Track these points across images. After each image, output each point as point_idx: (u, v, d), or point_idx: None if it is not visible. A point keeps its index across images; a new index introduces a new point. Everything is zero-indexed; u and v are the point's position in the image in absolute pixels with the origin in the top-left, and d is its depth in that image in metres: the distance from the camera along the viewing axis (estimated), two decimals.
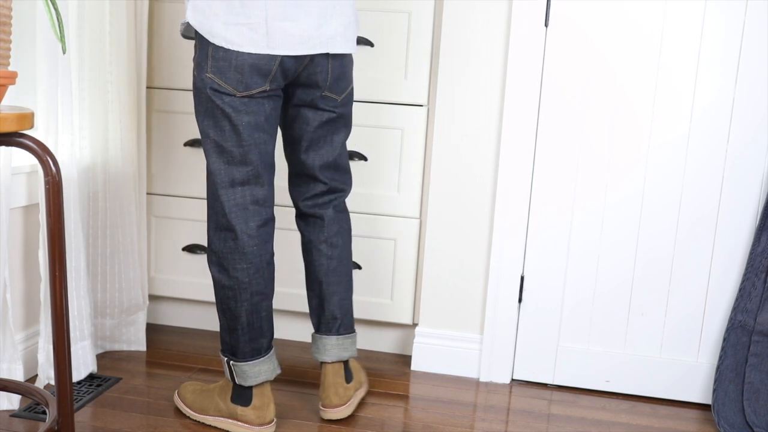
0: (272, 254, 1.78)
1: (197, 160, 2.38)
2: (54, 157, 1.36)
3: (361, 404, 2.02)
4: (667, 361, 2.15)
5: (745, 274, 2.04)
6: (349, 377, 1.93)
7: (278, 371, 1.82)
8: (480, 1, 2.14)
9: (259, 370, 1.77)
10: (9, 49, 1.35)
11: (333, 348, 1.88)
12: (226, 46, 1.62)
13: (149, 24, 2.35)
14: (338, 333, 1.89)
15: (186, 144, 2.37)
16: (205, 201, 2.39)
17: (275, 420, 1.86)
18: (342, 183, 1.90)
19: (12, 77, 1.33)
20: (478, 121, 2.18)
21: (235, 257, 1.72)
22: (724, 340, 2.05)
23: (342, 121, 1.85)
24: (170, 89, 2.37)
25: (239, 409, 1.79)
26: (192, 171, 2.39)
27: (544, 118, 2.13)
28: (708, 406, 2.15)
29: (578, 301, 2.18)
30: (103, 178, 2.13)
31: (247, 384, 1.77)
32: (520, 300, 2.21)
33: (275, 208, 2.34)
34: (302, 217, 1.92)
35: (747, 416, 1.98)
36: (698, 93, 2.06)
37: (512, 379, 2.26)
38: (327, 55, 1.73)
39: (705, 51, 2.04)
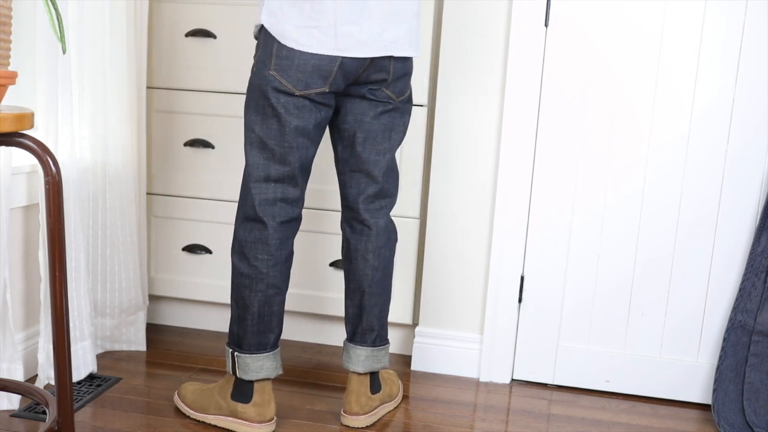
0: (292, 252, 1.81)
1: (197, 160, 2.38)
2: (54, 157, 1.36)
3: None
4: (667, 361, 2.15)
5: (745, 274, 2.04)
6: (376, 388, 1.91)
7: (280, 371, 1.82)
8: (480, 1, 2.14)
9: (261, 365, 1.78)
10: (9, 49, 1.35)
11: (366, 359, 1.87)
12: (295, 47, 1.68)
13: (149, 24, 2.36)
14: (373, 345, 1.88)
15: (186, 144, 2.37)
16: (205, 201, 2.39)
17: (275, 419, 1.86)
18: (393, 187, 1.88)
19: (12, 77, 1.33)
20: (478, 121, 2.18)
21: (257, 247, 1.76)
22: (724, 340, 2.06)
23: (399, 120, 1.84)
24: (170, 89, 2.37)
25: (240, 406, 1.80)
26: (192, 171, 2.39)
27: (544, 118, 2.13)
28: (708, 406, 2.15)
29: (578, 301, 2.18)
30: (103, 178, 2.13)
31: (247, 377, 1.78)
32: (520, 300, 2.21)
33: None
34: (350, 224, 1.87)
35: (747, 416, 1.98)
36: (698, 93, 2.06)
37: (512, 379, 2.26)
38: (390, 57, 1.75)
39: (705, 51, 2.04)
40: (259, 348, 1.79)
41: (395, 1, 1.72)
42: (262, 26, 1.74)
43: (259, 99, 1.73)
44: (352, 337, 1.89)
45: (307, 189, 2.33)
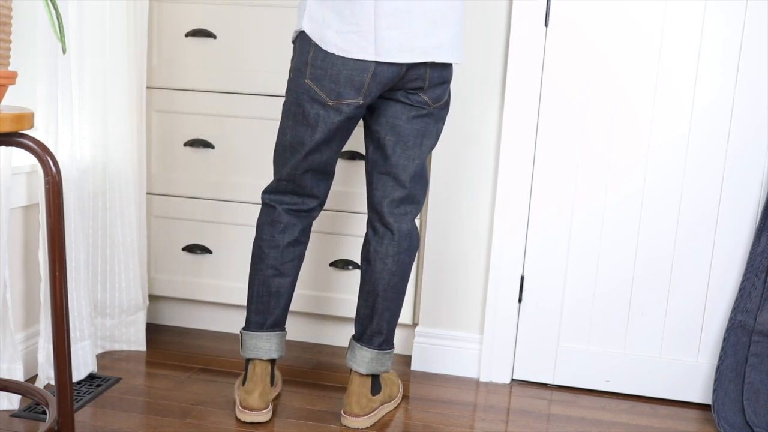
0: (299, 241, 1.88)
1: (197, 160, 2.38)
2: (54, 157, 1.36)
3: None
4: (667, 361, 2.15)
5: (745, 274, 2.04)
6: (376, 389, 1.92)
7: (273, 355, 1.87)
8: (480, 1, 2.14)
9: (255, 344, 1.87)
10: (9, 49, 1.35)
11: (370, 362, 1.87)
12: (336, 53, 1.69)
13: (149, 24, 2.35)
14: (379, 348, 1.88)
15: (186, 144, 2.37)
16: (205, 201, 2.40)
17: (265, 410, 1.86)
18: (421, 193, 1.86)
19: (12, 77, 1.33)
20: (479, 121, 2.18)
21: (264, 228, 1.87)
22: (724, 340, 2.05)
23: (433, 126, 1.81)
24: (170, 89, 2.37)
25: (240, 389, 1.90)
26: (192, 171, 2.39)
27: (544, 118, 2.13)
28: (708, 406, 2.15)
29: (578, 301, 2.18)
30: (103, 178, 2.13)
31: (244, 355, 1.89)
32: (520, 300, 2.21)
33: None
34: (373, 226, 1.87)
35: (747, 416, 1.98)
36: (698, 93, 2.06)
37: (512, 379, 2.26)
38: (426, 64, 1.74)
39: (705, 51, 2.04)
40: (257, 327, 1.88)
41: (440, 5, 1.70)
42: (302, 32, 1.74)
43: (292, 105, 1.76)
44: (360, 338, 1.90)
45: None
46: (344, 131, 1.78)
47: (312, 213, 1.89)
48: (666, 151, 2.09)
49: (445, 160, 2.21)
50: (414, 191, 1.84)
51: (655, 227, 2.12)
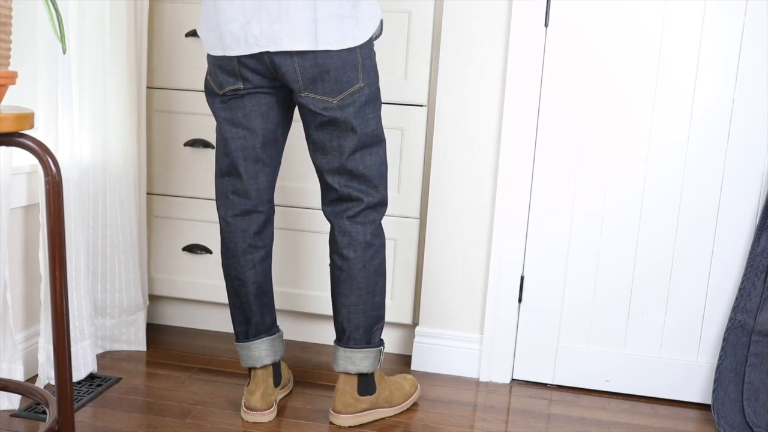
0: (253, 245, 1.84)
1: (197, 160, 2.38)
2: (54, 157, 1.36)
3: None
4: (667, 361, 2.16)
5: (745, 274, 2.04)
6: (366, 390, 1.89)
7: (265, 362, 1.87)
8: (480, 1, 2.14)
9: (246, 354, 1.89)
10: (9, 49, 1.35)
11: (339, 359, 1.87)
12: (207, 51, 1.78)
13: (149, 24, 2.35)
14: (346, 345, 1.86)
15: (186, 144, 2.37)
16: (205, 201, 2.40)
17: (267, 411, 1.88)
18: (358, 191, 1.79)
19: (12, 77, 1.33)
20: (478, 121, 2.18)
21: (222, 240, 1.87)
22: (724, 340, 2.06)
23: (343, 126, 1.73)
24: (170, 89, 2.37)
25: (245, 390, 1.92)
26: (192, 171, 2.39)
27: (544, 118, 2.13)
28: (708, 406, 2.15)
29: (578, 301, 2.18)
30: (103, 178, 2.13)
31: (242, 364, 1.91)
32: (520, 300, 2.21)
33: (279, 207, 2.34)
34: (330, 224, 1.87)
35: (747, 416, 1.98)
36: (698, 93, 2.06)
37: (512, 379, 2.26)
38: (289, 53, 1.67)
39: (705, 51, 2.04)
40: (242, 337, 1.90)
41: None
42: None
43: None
44: (335, 336, 1.91)
45: (306, 189, 2.32)
46: (253, 110, 1.77)
47: (258, 213, 1.85)
48: (666, 150, 2.09)
49: (444, 160, 2.21)
50: (346, 190, 1.79)
51: (655, 227, 2.12)
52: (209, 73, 1.78)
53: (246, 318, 1.88)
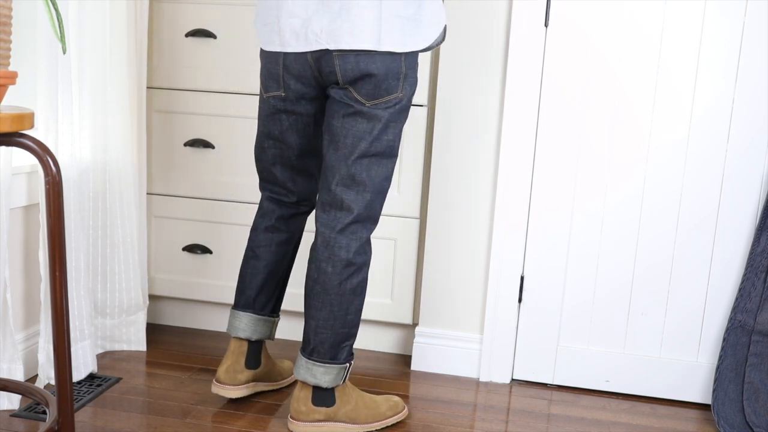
0: (275, 227, 1.90)
1: (197, 160, 2.38)
2: (54, 157, 1.36)
3: None
4: (667, 361, 2.16)
5: (745, 274, 2.04)
6: (323, 401, 1.78)
7: (240, 334, 1.89)
8: (480, 1, 2.14)
9: (230, 322, 1.92)
10: (9, 49, 1.35)
11: (300, 367, 1.77)
12: (261, 47, 1.78)
13: (149, 24, 2.36)
14: (309, 357, 1.76)
15: (186, 144, 2.37)
16: (205, 201, 2.40)
17: (231, 387, 1.90)
18: (351, 200, 1.70)
19: (12, 77, 1.33)
20: (478, 121, 2.18)
21: (257, 213, 1.96)
22: (724, 340, 2.06)
23: (365, 125, 1.67)
24: (170, 89, 2.37)
25: None
26: (192, 171, 2.39)
27: (544, 118, 2.14)
28: (708, 406, 2.15)
29: (578, 301, 2.18)
30: (103, 178, 2.13)
31: (227, 330, 1.94)
32: (520, 300, 2.21)
33: None
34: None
35: (747, 416, 1.98)
36: (698, 93, 2.06)
37: (512, 379, 2.26)
38: (333, 53, 1.62)
39: (705, 51, 2.04)
40: (234, 305, 1.93)
41: None
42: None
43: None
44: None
45: None
46: (290, 127, 1.79)
47: (293, 206, 1.91)
48: (666, 150, 2.09)
49: (444, 161, 2.21)
50: (342, 196, 1.69)
51: (655, 227, 2.12)
52: (260, 72, 1.80)
53: (242, 288, 1.92)
